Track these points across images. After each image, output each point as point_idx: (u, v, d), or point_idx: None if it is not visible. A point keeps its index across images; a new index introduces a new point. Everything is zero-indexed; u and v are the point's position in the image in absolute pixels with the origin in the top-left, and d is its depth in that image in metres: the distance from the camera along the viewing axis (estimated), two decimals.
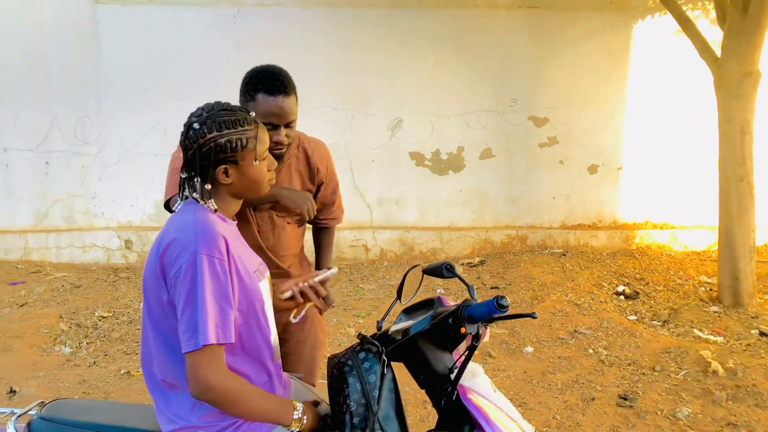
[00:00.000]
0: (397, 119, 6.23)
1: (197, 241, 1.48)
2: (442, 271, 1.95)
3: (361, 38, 6.11)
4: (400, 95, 6.20)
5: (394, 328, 1.88)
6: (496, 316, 1.57)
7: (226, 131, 1.56)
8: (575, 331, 4.42)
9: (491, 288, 5.39)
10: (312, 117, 6.12)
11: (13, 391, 3.70)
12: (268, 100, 2.06)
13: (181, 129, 1.61)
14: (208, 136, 1.55)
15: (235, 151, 1.57)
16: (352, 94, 6.17)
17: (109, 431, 1.66)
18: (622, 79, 6.31)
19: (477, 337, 1.63)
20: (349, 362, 1.78)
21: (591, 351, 4.12)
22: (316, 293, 1.94)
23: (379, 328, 1.92)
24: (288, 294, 1.92)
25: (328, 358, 1.83)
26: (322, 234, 2.67)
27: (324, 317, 2.71)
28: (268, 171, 1.68)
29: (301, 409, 1.62)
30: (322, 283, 1.96)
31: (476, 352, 1.93)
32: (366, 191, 6.31)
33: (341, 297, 5.25)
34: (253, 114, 1.64)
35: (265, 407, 1.56)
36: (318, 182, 2.42)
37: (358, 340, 1.83)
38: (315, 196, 2.44)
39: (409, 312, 2.01)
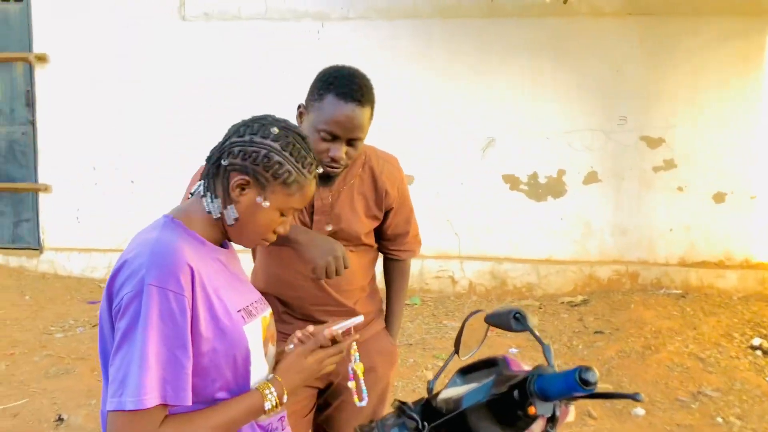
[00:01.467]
0: (490, 138, 5.67)
1: (149, 268, 1.20)
2: (509, 321, 1.48)
3: (451, 51, 5.64)
4: (494, 112, 5.65)
5: (444, 394, 1.43)
6: (579, 395, 1.13)
7: (287, 155, 1.31)
8: (699, 392, 3.65)
9: (594, 332, 4.67)
10: (397, 135, 5.69)
11: (60, 419, 3.57)
12: (338, 104, 1.75)
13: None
14: (269, 143, 1.30)
15: (276, 176, 1.31)
16: (440, 110, 5.69)
17: None
18: (756, 92, 5.43)
19: (553, 420, 1.19)
20: None
21: (720, 420, 3.35)
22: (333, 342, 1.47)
23: (429, 391, 1.47)
24: (290, 346, 1.47)
25: (355, 429, 1.39)
26: (392, 267, 2.22)
27: (397, 361, 2.22)
28: (274, 233, 1.39)
29: (274, 391, 1.35)
30: (345, 333, 1.48)
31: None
32: (454, 217, 5.77)
33: (421, 334, 4.72)
34: (320, 170, 1.39)
35: (224, 420, 1.28)
36: (387, 207, 2.01)
37: (394, 408, 1.40)
38: (383, 224, 2.07)
39: (466, 373, 1.52)
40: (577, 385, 1.08)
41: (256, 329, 1.37)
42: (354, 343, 1.56)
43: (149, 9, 5.92)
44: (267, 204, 1.31)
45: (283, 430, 1.50)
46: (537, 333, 1.42)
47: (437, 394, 1.55)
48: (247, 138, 1.31)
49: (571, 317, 5.02)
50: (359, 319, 1.51)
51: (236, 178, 1.30)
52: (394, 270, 2.22)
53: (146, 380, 1.15)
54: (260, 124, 1.32)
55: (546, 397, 1.14)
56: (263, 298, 1.52)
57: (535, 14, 5.51)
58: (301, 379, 1.39)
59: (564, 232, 5.69)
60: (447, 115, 5.69)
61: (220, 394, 1.31)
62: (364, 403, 1.59)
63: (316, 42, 5.73)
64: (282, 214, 1.35)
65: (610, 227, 5.69)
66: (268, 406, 1.32)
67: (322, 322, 2.03)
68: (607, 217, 5.68)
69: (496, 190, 5.72)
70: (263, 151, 1.29)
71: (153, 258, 1.21)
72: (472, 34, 5.62)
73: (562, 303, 5.33)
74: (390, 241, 2.13)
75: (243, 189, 1.30)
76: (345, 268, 1.79)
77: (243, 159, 1.30)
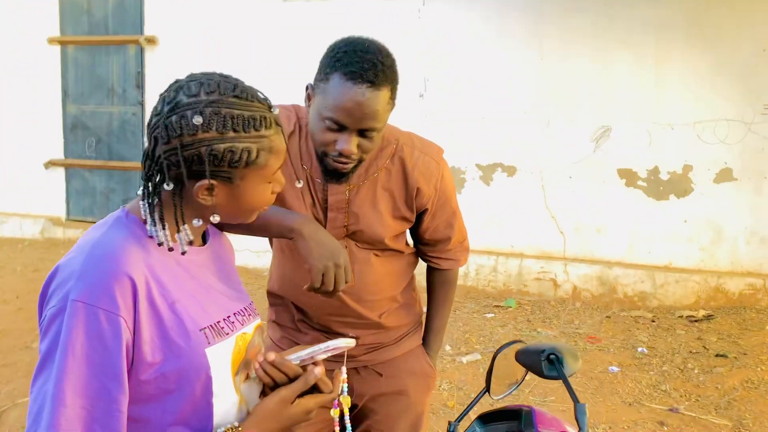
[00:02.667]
0: (605, 127, 5.07)
1: (77, 279, 0.99)
2: (539, 363, 1.23)
3: (565, 29, 5.09)
4: (610, 98, 5.04)
5: None
6: None
7: (231, 134, 1.04)
8: None
9: (716, 355, 4.01)
10: (499, 121, 5.24)
11: None
12: (345, 86, 1.42)
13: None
14: (202, 135, 1.02)
15: (235, 165, 1.05)
16: (548, 94, 5.16)
17: None
18: None
19: None
20: None
21: None
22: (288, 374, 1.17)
23: None
24: (253, 376, 1.18)
25: None
26: (434, 276, 1.88)
27: (434, 385, 1.90)
28: (272, 193, 1.15)
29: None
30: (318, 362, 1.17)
31: None
32: (559, 214, 5.23)
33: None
34: (276, 110, 1.10)
35: None
36: (419, 208, 1.67)
37: None
38: (418, 227, 1.74)
39: (487, 421, 1.29)
40: None
41: (225, 351, 1.12)
42: (343, 372, 1.27)
43: None
44: (246, 188, 1.08)
45: None
46: (573, 388, 1.06)
47: None
48: (174, 143, 1.03)
49: (689, 335, 4.36)
50: (350, 343, 1.20)
51: (198, 185, 1.04)
52: (435, 279, 1.87)
53: (60, 419, 0.95)
54: (178, 117, 1.02)
55: None
56: (251, 306, 1.26)
57: None
58: (280, 430, 1.12)
59: (688, 237, 4.99)
60: (556, 100, 5.16)
61: (175, 429, 1.08)
62: None
63: (417, 20, 5.39)
64: (268, 182, 1.12)
65: (745, 234, 4.91)
66: None
67: (340, 335, 1.73)
68: (743, 222, 4.90)
69: (609, 186, 5.11)
70: (203, 149, 1.02)
71: (84, 267, 1.00)
72: (590, 10, 5.03)
73: (680, 317, 4.66)
74: (429, 246, 1.78)
75: (210, 193, 1.07)
76: (345, 282, 1.46)
77: (187, 168, 1.03)
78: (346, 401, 1.25)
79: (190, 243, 1.09)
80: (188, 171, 1.03)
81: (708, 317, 4.62)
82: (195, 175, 1.04)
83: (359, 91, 1.39)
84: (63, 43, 6.50)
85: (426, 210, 1.67)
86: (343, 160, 1.46)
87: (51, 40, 6.50)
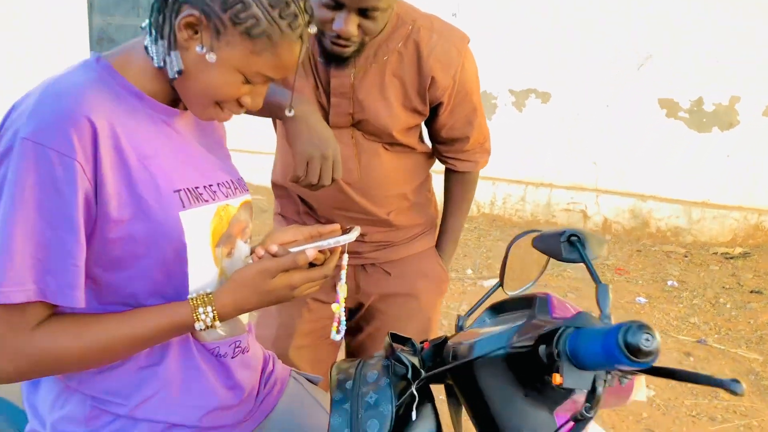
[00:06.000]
0: (647, 54, 4.77)
1: (30, 116, 0.87)
2: (559, 246, 1.03)
3: None
4: (654, 22, 4.72)
5: (458, 337, 1.09)
6: (627, 369, 0.74)
7: None
8: None
9: (750, 292, 3.85)
10: (531, 43, 4.98)
11: None
12: None
13: None
14: None
15: (236, 21, 0.91)
16: (586, 17, 4.86)
17: None
18: None
19: (592, 400, 0.77)
20: (345, 385, 1.05)
21: None
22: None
23: (459, 328, 1.15)
24: (249, 261, 1.10)
25: (331, 366, 1.12)
26: (450, 178, 1.75)
27: (446, 290, 1.80)
28: (239, 104, 1.01)
29: (211, 311, 1.00)
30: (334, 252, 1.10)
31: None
32: (593, 143, 5.01)
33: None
34: (313, 29, 0.96)
35: (134, 332, 0.96)
36: (434, 101, 1.50)
37: (385, 346, 1.11)
38: (434, 123, 1.58)
39: (498, 311, 1.16)
40: (619, 352, 0.69)
41: (203, 219, 1.02)
42: (344, 259, 1.16)
43: None
44: (212, 58, 0.93)
45: (243, 352, 1.13)
46: (594, 268, 0.93)
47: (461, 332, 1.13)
48: None
49: (723, 271, 4.19)
50: (352, 236, 1.08)
51: (185, 13, 0.92)
52: (451, 181, 1.74)
53: (11, 268, 0.86)
54: None
55: (580, 364, 0.76)
56: (240, 181, 1.15)
57: None
58: (258, 302, 1.02)
59: (730, 173, 4.74)
60: (595, 23, 4.85)
61: (149, 299, 1.00)
62: (337, 337, 1.20)
63: None
64: (246, 80, 0.97)
65: None
66: (199, 327, 0.99)
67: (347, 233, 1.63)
68: None
69: (648, 116, 4.85)
70: None
71: (38, 104, 0.88)
72: None
73: (715, 254, 4.47)
74: (445, 145, 1.64)
75: (194, 31, 0.93)
76: (332, 179, 1.31)
77: None
78: (343, 290, 1.15)
79: (179, 73, 0.96)
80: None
81: (744, 255, 4.43)
82: (195, 2, 0.91)
83: None
84: None
85: (442, 104, 1.52)
86: (342, 42, 1.31)
87: None
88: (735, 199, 4.74)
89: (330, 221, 1.61)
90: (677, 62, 4.71)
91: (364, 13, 1.29)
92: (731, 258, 4.40)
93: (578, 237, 1.06)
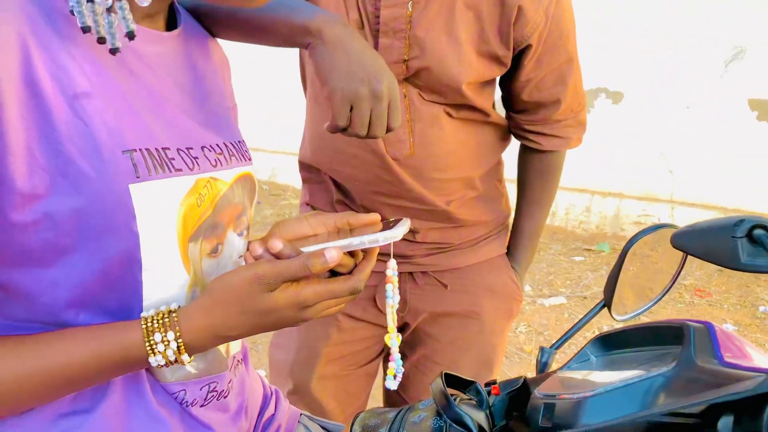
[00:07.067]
0: (738, 48, 4.24)
1: None
2: (728, 244, 0.67)
3: None
4: (747, 12, 4.19)
5: (552, 382, 0.73)
6: None
7: None
8: None
9: None
10: (602, 36, 4.51)
11: None
12: None
13: None
14: None
15: None
16: (668, 7, 4.36)
17: None
18: None
19: None
20: None
21: None
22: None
23: (542, 366, 0.83)
24: (256, 252, 0.72)
25: (354, 418, 0.79)
26: (530, 160, 1.34)
27: (518, 310, 1.40)
28: None
29: (173, 337, 0.64)
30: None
31: None
32: (671, 149, 4.49)
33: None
34: None
35: (60, 363, 0.62)
36: (519, 43, 1.14)
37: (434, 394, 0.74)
38: (514, 77, 1.19)
39: (611, 346, 0.78)
40: None
41: (170, 196, 0.66)
42: (391, 265, 0.77)
43: None
44: None
45: (219, 398, 0.76)
46: None
47: (548, 376, 0.77)
48: None
49: None
50: (398, 233, 0.70)
51: None
52: (531, 165, 1.33)
53: None
54: None
55: None
56: (240, 145, 0.79)
57: None
58: (247, 327, 0.67)
59: None
60: (676, 14, 4.35)
61: (77, 314, 0.65)
62: (393, 385, 0.80)
63: None
64: None
65: None
66: (156, 362, 0.65)
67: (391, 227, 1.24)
68: None
69: (737, 119, 4.31)
70: None
71: None
72: None
73: None
74: (527, 113, 1.24)
75: None
76: (392, 124, 0.88)
77: None
78: (393, 312, 0.77)
79: (130, 35, 0.63)
80: None
81: None
82: None
83: None
84: None
85: (529, 48, 1.12)
86: None
87: None
88: None
89: (371, 211, 1.23)
90: None
91: None
92: None
93: (766, 229, 0.66)
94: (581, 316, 0.90)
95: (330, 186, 1.27)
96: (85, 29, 0.60)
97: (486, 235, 1.31)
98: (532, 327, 3.15)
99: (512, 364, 2.78)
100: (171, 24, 0.77)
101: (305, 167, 1.32)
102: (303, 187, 1.37)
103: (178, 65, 0.74)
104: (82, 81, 0.61)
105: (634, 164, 4.58)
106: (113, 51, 0.62)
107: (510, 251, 1.37)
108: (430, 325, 1.29)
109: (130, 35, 0.63)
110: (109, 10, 0.61)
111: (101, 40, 0.61)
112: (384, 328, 1.28)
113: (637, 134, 4.55)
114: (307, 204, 1.35)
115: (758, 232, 0.64)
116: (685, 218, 4.42)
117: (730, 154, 4.34)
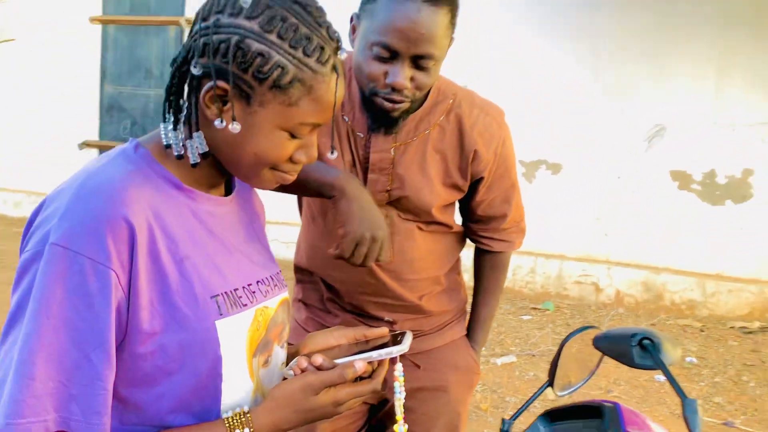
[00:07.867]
0: (659, 126, 4.79)
1: (61, 218, 0.79)
2: (630, 350, 0.95)
3: (620, 25, 4.82)
4: (666, 95, 4.76)
5: None
6: None
7: (274, 39, 0.82)
8: None
9: None
10: (544, 114, 5.00)
11: None
12: (397, 2, 1.22)
13: None
14: (241, 22, 0.82)
15: (260, 77, 0.82)
16: (601, 90, 4.90)
17: None
18: None
19: None
20: None
21: None
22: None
23: None
24: (290, 373, 0.98)
25: None
26: (483, 259, 1.67)
27: (476, 382, 1.71)
28: (293, 161, 0.91)
29: (248, 425, 0.88)
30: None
31: None
32: (605, 215, 4.97)
33: (548, 344, 4.05)
34: (343, 55, 0.88)
35: None
36: (475, 176, 1.46)
37: None
38: (471, 200, 1.53)
39: (554, 419, 1.07)
40: None
41: (241, 327, 0.91)
42: (398, 369, 1.06)
43: None
44: (236, 128, 0.84)
45: None
46: (676, 379, 0.84)
47: None
48: (211, 21, 0.84)
49: (743, 346, 4.07)
50: (405, 346, 0.99)
51: (207, 86, 0.84)
52: (485, 263, 1.65)
53: (26, 395, 0.76)
54: (231, 8, 0.83)
55: None
56: (278, 275, 1.05)
57: None
58: (298, 421, 0.91)
59: (744, 245, 4.67)
60: (607, 96, 4.89)
61: (175, 417, 0.88)
62: None
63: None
64: (292, 135, 0.87)
65: None
66: None
67: (374, 318, 1.53)
68: None
69: (660, 188, 4.83)
70: (234, 39, 0.82)
71: (71, 204, 0.79)
72: (650, 8, 4.74)
73: (732, 328, 4.36)
74: (480, 224, 1.58)
75: (222, 102, 0.85)
76: (377, 260, 1.27)
77: (212, 56, 0.83)
78: (400, 404, 1.07)
79: (204, 156, 0.89)
80: (211, 59, 0.83)
81: (763, 329, 4.32)
82: (218, 72, 0.83)
83: (413, 6, 1.19)
84: (104, 23, 6.45)
85: (482, 179, 1.47)
86: (396, 97, 1.26)
87: (93, 20, 6.45)
88: (750, 272, 4.66)
89: (356, 307, 1.53)
90: (689, 134, 4.72)
91: (417, 62, 1.25)
92: (750, 333, 4.29)
93: (652, 341, 0.96)
94: (531, 374, 1.15)
95: (321, 286, 1.58)
96: (179, 156, 0.87)
97: (450, 320, 1.63)
98: (486, 386, 3.45)
99: (470, 422, 3.06)
100: (228, 186, 1.04)
101: (300, 270, 1.62)
102: (296, 287, 1.66)
103: (237, 218, 1.02)
104: (184, 246, 0.86)
105: (573, 229, 5.03)
106: (194, 165, 0.88)
107: (469, 333, 1.69)
108: (407, 399, 1.58)
109: (194, 164, 0.89)
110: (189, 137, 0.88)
111: (180, 157, 0.88)
112: (367, 404, 1.57)
113: (575, 201, 5.01)
114: (300, 300, 1.64)
115: (646, 341, 0.95)
116: (620, 277, 4.86)
117: (656, 218, 4.84)
